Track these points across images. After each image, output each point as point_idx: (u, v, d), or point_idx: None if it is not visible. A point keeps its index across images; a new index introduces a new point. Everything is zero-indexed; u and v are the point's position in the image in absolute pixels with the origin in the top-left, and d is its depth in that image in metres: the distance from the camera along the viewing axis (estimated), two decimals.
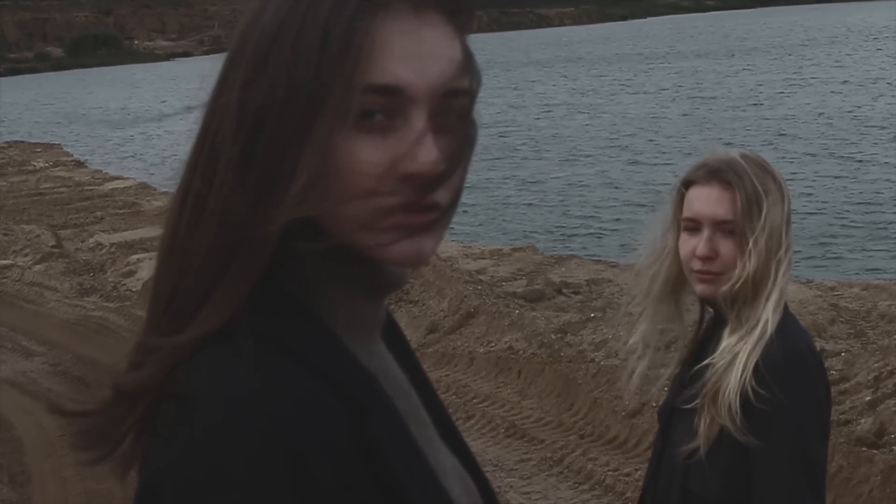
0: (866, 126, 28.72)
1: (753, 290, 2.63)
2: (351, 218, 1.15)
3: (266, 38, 1.16)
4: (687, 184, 2.77)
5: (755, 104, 36.36)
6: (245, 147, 1.14)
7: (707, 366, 2.64)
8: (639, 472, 7.22)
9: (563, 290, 11.68)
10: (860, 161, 23.10)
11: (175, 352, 1.14)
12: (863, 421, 7.10)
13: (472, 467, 1.37)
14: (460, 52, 1.20)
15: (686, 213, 2.74)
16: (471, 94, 1.21)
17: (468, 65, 1.20)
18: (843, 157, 23.59)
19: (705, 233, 2.68)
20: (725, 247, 2.67)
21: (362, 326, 1.25)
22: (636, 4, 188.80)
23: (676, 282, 2.81)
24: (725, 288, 2.64)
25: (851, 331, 9.23)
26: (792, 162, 22.71)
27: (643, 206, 19.06)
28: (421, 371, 1.39)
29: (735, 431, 2.54)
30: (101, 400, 1.19)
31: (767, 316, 2.60)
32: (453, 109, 1.19)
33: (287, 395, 1.10)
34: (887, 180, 21.08)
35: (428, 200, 1.16)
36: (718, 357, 2.61)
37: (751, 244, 2.61)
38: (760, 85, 43.35)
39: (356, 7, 1.13)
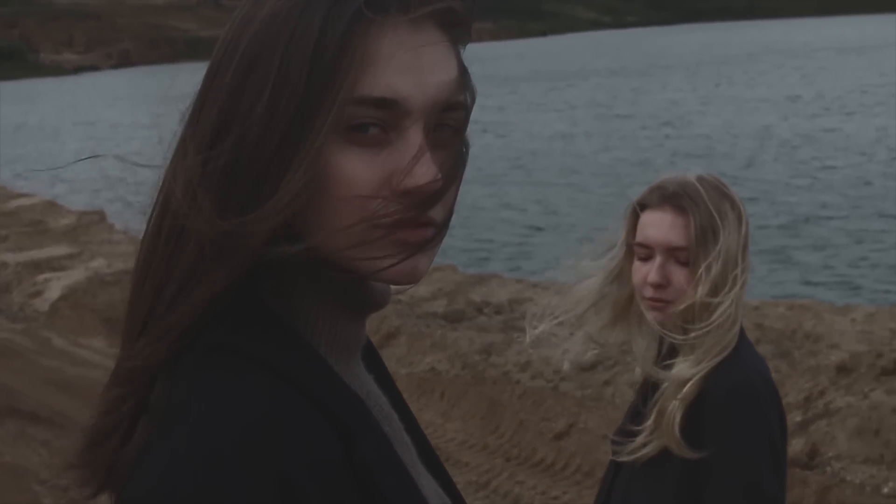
0: (781, 146, 28.98)
1: (705, 315, 2.55)
2: (343, 234, 1.12)
3: (256, 45, 1.12)
4: (640, 206, 2.69)
5: (667, 122, 36.63)
6: (230, 158, 1.11)
7: (657, 390, 2.59)
8: (567, 495, 7.21)
9: (485, 310, 11.57)
10: (771, 181, 23.29)
11: (153, 367, 1.13)
12: (794, 442, 7.05)
13: (452, 492, 1.35)
14: (456, 66, 1.18)
15: (638, 238, 2.67)
16: (466, 109, 1.19)
17: (463, 79, 1.18)
18: (756, 179, 23.73)
19: (658, 260, 2.62)
20: (678, 274, 2.60)
21: (346, 347, 1.23)
22: (556, 20, 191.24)
23: (627, 304, 2.75)
24: (677, 315, 2.57)
25: (777, 351, 9.17)
26: None
27: (561, 225, 19.04)
28: (399, 394, 1.37)
29: (680, 454, 2.50)
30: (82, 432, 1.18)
31: (721, 342, 2.53)
32: (448, 124, 1.16)
33: (276, 416, 1.06)
34: (804, 200, 21.25)
35: (423, 217, 1.13)
36: (670, 382, 2.55)
37: (704, 272, 2.54)
38: (675, 103, 43.77)
39: (352, 16, 1.10)
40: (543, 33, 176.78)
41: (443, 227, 1.17)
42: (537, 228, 20.17)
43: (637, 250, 2.66)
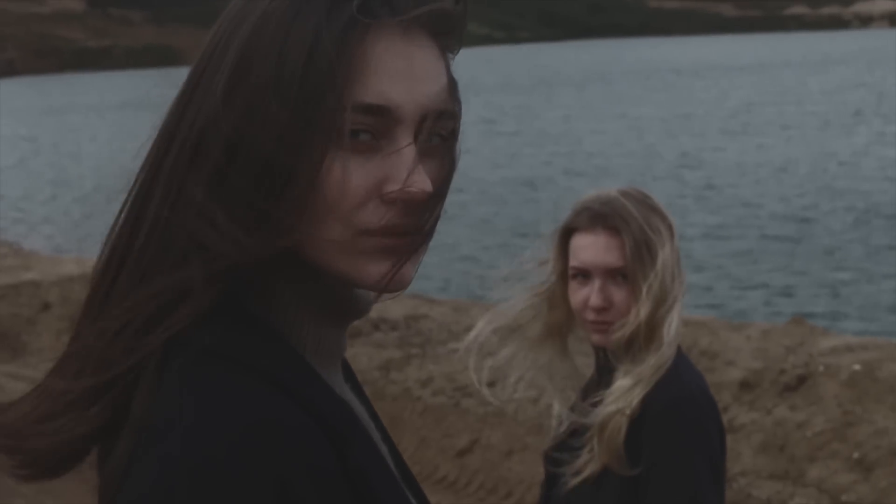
0: (668, 165, 29.30)
1: (648, 333, 2.54)
2: (331, 241, 1.12)
3: (248, 48, 1.12)
4: (569, 230, 2.67)
5: (554, 140, 36.83)
6: (218, 168, 1.10)
7: (596, 407, 2.57)
8: None
9: (381, 326, 11.45)
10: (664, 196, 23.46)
11: (137, 370, 1.11)
12: None
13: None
14: (446, 74, 1.19)
15: (574, 262, 2.65)
16: (455, 117, 1.19)
17: (453, 88, 1.20)
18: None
19: (597, 283, 2.61)
20: (619, 295, 2.61)
21: (329, 355, 1.23)
22: None
23: (561, 328, 2.74)
24: (619, 334, 2.56)
25: None
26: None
27: (444, 245, 18.99)
28: (371, 404, 1.35)
29: (620, 471, 2.49)
30: (54, 429, 1.14)
31: (661, 357, 2.53)
32: (438, 132, 1.17)
33: (271, 421, 1.06)
34: (695, 220, 21.50)
35: (411, 224, 1.14)
36: (609, 398, 2.53)
37: (645, 290, 2.54)
38: (564, 120, 44.11)
39: (345, 23, 1.10)
40: None
41: (429, 234, 1.17)
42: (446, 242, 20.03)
43: (573, 273, 2.64)
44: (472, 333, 2.76)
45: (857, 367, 7.51)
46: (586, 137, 37.01)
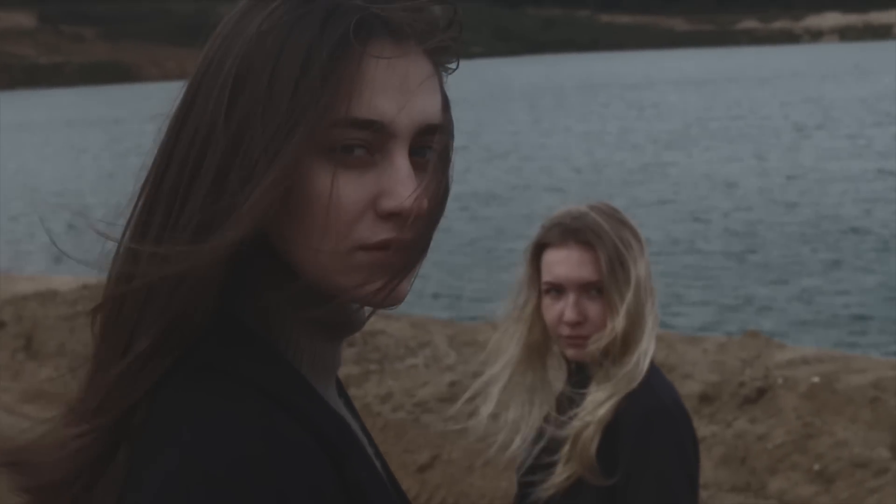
0: (618, 179, 29.36)
1: (623, 346, 2.57)
2: (326, 256, 1.12)
3: (243, 65, 1.12)
4: (541, 246, 2.69)
5: (503, 155, 36.82)
6: (218, 174, 1.11)
7: (571, 420, 2.59)
8: None
9: None
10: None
11: (134, 388, 1.10)
12: None
13: None
14: (439, 89, 1.19)
15: (547, 278, 2.66)
16: (448, 132, 1.20)
17: (446, 104, 1.20)
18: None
19: (571, 297, 2.62)
20: (593, 309, 2.62)
21: (323, 369, 1.23)
22: None
23: (540, 347, 2.75)
24: (594, 347, 2.59)
25: None
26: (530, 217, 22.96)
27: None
28: (361, 420, 1.36)
29: (595, 481, 2.51)
30: (51, 443, 1.15)
31: (635, 370, 2.56)
32: (431, 147, 1.17)
33: (271, 438, 1.06)
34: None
35: (406, 239, 1.13)
36: (583, 410, 2.56)
37: (620, 304, 2.56)
38: (514, 135, 44.16)
39: (339, 39, 1.11)
40: None
41: (424, 249, 1.17)
42: None
43: (546, 288, 2.66)
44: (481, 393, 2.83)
45: (816, 379, 7.56)
46: (536, 152, 37.06)
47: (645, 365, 2.57)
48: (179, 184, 1.12)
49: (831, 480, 6.63)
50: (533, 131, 45.47)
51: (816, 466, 6.73)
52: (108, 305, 1.15)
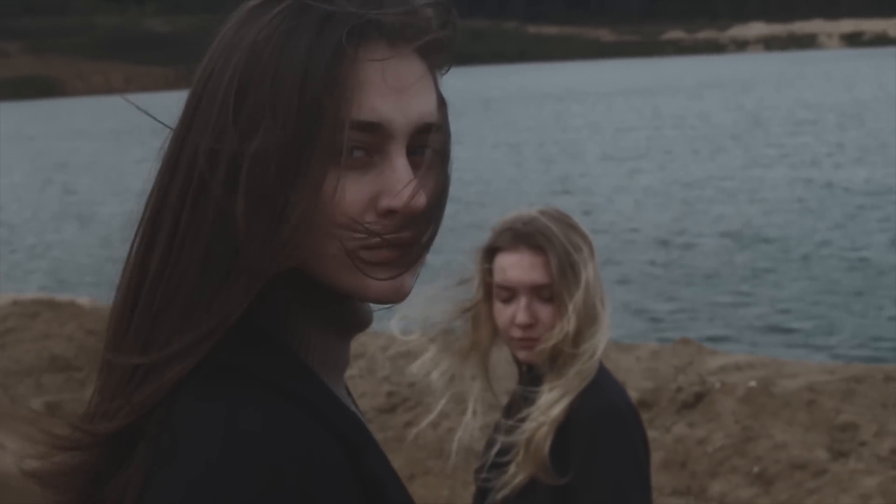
0: (539, 193, 29.35)
1: (574, 346, 2.62)
2: (331, 255, 1.15)
3: (243, 76, 1.14)
4: (492, 250, 2.73)
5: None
6: (226, 191, 1.12)
7: (524, 420, 2.62)
8: None
9: None
10: None
11: (155, 392, 1.11)
12: None
13: None
14: (434, 89, 1.22)
15: (499, 281, 2.70)
16: (445, 131, 1.23)
17: (442, 104, 1.23)
18: None
19: (522, 300, 2.67)
20: (544, 312, 2.66)
21: (334, 367, 1.25)
22: None
23: (484, 345, 2.80)
24: (542, 346, 2.63)
25: None
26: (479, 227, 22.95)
27: None
28: (365, 418, 1.36)
29: (548, 481, 2.54)
30: (72, 442, 1.17)
31: (585, 369, 2.61)
32: (429, 146, 1.20)
33: (293, 437, 1.09)
34: None
35: (408, 236, 1.16)
36: (535, 411, 2.59)
37: (570, 306, 2.60)
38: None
39: (336, 44, 1.13)
40: None
41: (427, 245, 1.20)
42: None
43: (498, 292, 2.70)
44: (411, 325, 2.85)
45: (753, 383, 7.64)
46: (463, 164, 37.05)
47: (595, 364, 2.62)
48: (183, 199, 1.16)
49: (771, 482, 6.70)
50: (460, 143, 45.37)
51: (756, 469, 6.80)
52: (127, 304, 1.18)
